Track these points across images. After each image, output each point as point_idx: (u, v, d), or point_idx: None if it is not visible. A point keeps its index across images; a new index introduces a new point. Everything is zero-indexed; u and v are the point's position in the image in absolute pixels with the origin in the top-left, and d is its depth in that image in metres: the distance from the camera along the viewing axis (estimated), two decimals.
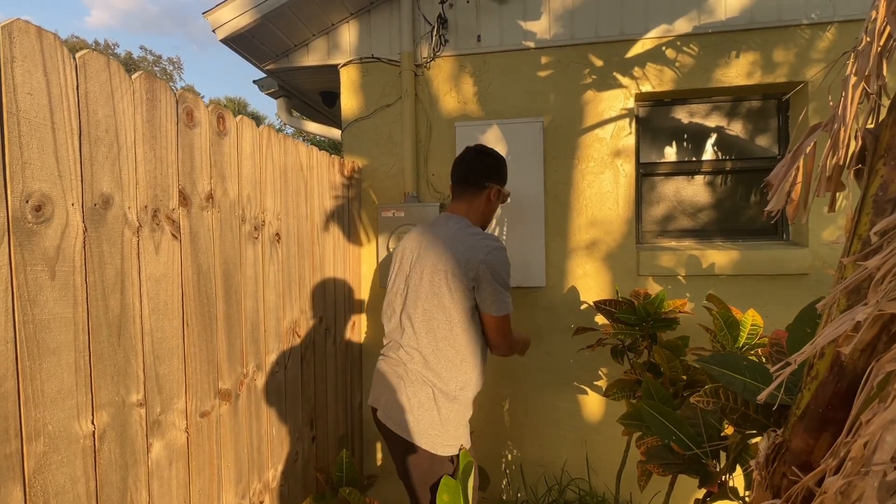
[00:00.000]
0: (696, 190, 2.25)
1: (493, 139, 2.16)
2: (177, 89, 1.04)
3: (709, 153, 2.22)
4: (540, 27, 2.16)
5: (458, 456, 1.32)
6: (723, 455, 1.06)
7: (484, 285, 1.30)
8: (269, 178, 1.47)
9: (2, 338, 0.72)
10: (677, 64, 2.07)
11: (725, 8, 2.02)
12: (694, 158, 2.23)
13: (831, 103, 0.65)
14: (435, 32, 2.21)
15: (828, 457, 0.54)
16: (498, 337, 1.36)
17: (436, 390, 1.31)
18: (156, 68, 24.21)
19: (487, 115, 2.22)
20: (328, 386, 1.95)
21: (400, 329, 1.39)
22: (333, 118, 3.51)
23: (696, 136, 2.23)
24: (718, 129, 2.21)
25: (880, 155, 0.57)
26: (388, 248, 2.18)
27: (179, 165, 1.08)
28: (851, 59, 0.61)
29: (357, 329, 2.27)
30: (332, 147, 10.62)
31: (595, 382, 2.15)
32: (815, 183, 0.65)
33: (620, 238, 2.12)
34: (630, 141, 2.11)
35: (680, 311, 1.67)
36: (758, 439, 0.88)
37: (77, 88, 0.83)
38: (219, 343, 1.23)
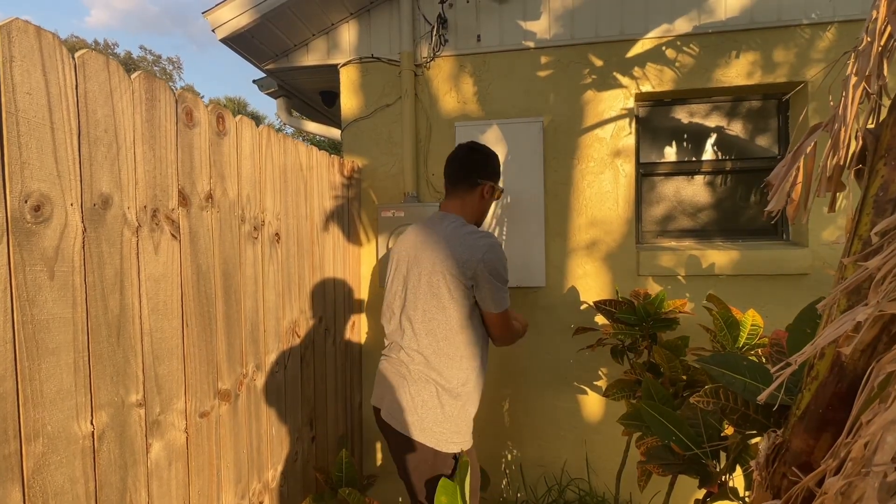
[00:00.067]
0: (696, 190, 2.25)
1: (493, 139, 2.16)
2: (176, 89, 1.04)
3: (709, 153, 2.22)
4: (540, 27, 2.16)
5: (460, 455, 1.33)
6: (723, 455, 1.06)
7: (483, 284, 1.30)
8: (268, 177, 1.47)
9: (0, 338, 0.72)
10: (677, 64, 2.07)
11: (725, 8, 2.02)
12: (694, 158, 2.23)
13: (831, 103, 0.65)
14: (435, 32, 2.21)
15: (828, 457, 0.54)
16: (499, 331, 1.39)
17: (439, 388, 1.31)
18: (155, 68, 24.20)
19: (487, 115, 2.22)
20: (328, 386, 1.94)
21: (400, 331, 1.39)
22: (333, 118, 3.51)
23: (696, 136, 2.23)
24: (718, 129, 2.21)
25: (881, 155, 0.57)
26: (387, 248, 2.18)
27: (179, 165, 1.08)
28: (852, 59, 0.61)
29: (357, 329, 2.27)
30: (332, 147, 10.61)
31: (595, 382, 2.15)
32: (816, 183, 0.65)
33: (620, 238, 2.12)
34: (630, 141, 2.11)
35: (680, 311, 1.67)
36: (758, 440, 0.88)
37: (76, 88, 0.83)
38: (218, 343, 1.22)
